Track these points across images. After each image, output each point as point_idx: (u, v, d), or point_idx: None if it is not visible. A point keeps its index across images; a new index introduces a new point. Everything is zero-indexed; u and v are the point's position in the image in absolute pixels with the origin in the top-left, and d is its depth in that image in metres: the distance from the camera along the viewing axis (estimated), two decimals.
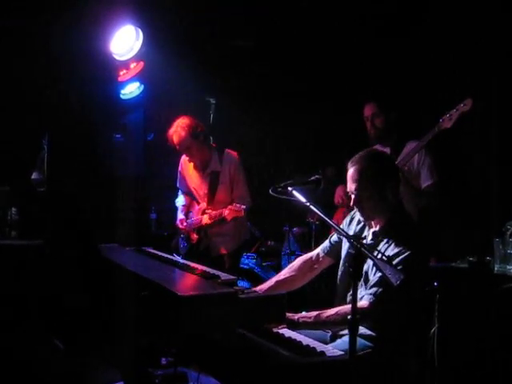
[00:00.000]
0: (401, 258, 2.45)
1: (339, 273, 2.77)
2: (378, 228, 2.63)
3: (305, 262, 2.89)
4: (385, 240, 2.57)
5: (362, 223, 2.74)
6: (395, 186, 2.63)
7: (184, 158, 4.37)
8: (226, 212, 3.96)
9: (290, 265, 2.94)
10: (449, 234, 4.42)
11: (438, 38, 4.41)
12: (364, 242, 2.58)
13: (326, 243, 2.90)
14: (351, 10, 4.68)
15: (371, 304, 2.41)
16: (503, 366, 3.05)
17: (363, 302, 2.43)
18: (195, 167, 4.30)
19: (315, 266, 2.88)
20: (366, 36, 4.77)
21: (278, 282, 2.81)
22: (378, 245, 2.58)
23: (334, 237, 2.87)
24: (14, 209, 4.01)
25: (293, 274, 2.86)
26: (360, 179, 2.56)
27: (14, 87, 4.33)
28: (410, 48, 4.57)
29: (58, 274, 2.80)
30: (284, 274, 2.89)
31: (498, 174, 4.18)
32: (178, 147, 4.16)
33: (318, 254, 2.89)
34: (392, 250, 2.51)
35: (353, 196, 2.60)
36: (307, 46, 5.10)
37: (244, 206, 3.93)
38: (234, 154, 4.26)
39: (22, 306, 2.98)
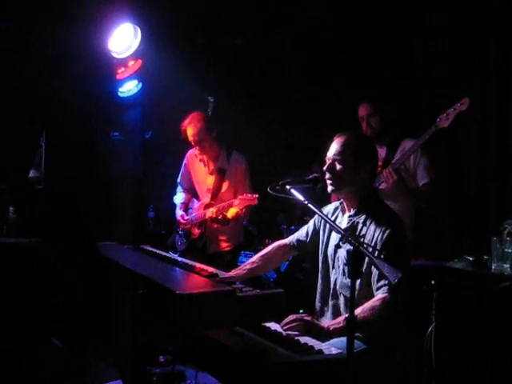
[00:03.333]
0: (384, 237, 2.51)
1: (320, 268, 2.80)
2: (352, 212, 2.69)
3: (277, 250, 2.99)
4: (361, 222, 2.63)
5: (335, 216, 2.79)
6: (371, 170, 2.70)
7: (191, 153, 4.38)
8: (235, 202, 3.95)
9: (264, 251, 3.01)
10: (446, 232, 4.43)
11: (434, 36, 4.42)
12: (339, 225, 2.66)
13: (294, 238, 2.97)
14: (347, 9, 4.69)
15: (389, 293, 2.43)
16: (501, 364, 3.05)
17: (381, 295, 2.45)
18: (202, 161, 4.31)
19: (287, 253, 3.04)
20: (362, 35, 4.77)
21: (250, 270, 2.92)
22: (355, 228, 2.64)
23: (303, 235, 2.93)
24: (11, 207, 4.00)
25: (265, 261, 2.96)
26: (340, 148, 2.64)
27: (12, 85, 4.32)
28: (405, 46, 4.57)
29: (56, 272, 2.80)
30: (257, 261, 2.97)
31: (496, 173, 4.18)
32: (192, 138, 4.15)
33: (287, 245, 2.99)
34: (372, 231, 2.57)
35: (329, 161, 2.66)
36: (305, 44, 5.10)
37: (257, 195, 3.91)
38: (243, 156, 4.28)
39: (21, 304, 2.98)
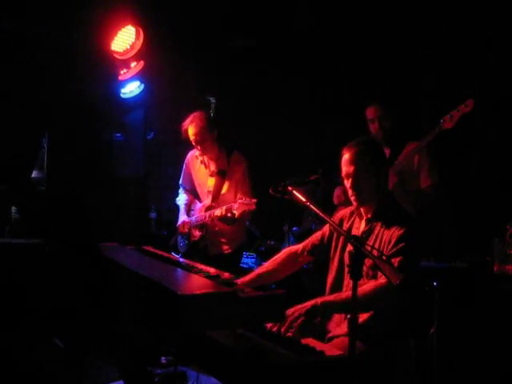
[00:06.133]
0: (398, 236, 2.51)
1: (333, 272, 2.78)
2: (369, 215, 2.68)
3: (289, 256, 2.93)
4: (379, 224, 2.63)
5: (351, 220, 2.77)
6: (386, 173, 2.74)
7: (191, 154, 4.37)
8: (235, 206, 3.90)
9: (275, 257, 2.96)
10: (449, 233, 4.43)
11: (437, 37, 4.42)
12: (357, 230, 2.67)
13: (309, 243, 2.93)
14: (351, 10, 4.69)
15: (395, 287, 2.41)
16: (502, 366, 3.05)
17: (381, 280, 2.44)
18: (203, 162, 4.29)
19: (299, 260, 2.94)
20: (366, 36, 4.77)
21: (259, 275, 2.86)
22: (373, 230, 2.63)
23: (318, 238, 2.90)
24: (14, 207, 4.02)
25: (275, 267, 2.91)
26: (358, 162, 2.61)
27: (14, 86, 4.33)
28: (409, 48, 4.57)
29: (58, 273, 2.81)
30: (267, 266, 2.93)
31: (498, 174, 4.18)
32: (194, 137, 4.11)
33: (302, 250, 2.93)
34: (388, 234, 2.56)
35: (350, 179, 2.64)
36: (308, 45, 5.10)
37: (255, 200, 3.85)
38: (242, 157, 4.26)
39: (22, 305, 2.98)
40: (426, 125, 3.68)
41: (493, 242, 3.25)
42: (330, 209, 3.99)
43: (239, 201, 3.88)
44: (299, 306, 2.43)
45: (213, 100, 4.87)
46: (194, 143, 4.17)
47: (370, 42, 4.76)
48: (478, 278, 3.26)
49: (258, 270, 2.93)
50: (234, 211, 3.89)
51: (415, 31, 4.49)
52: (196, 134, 4.10)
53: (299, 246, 2.95)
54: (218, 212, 4.02)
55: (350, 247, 2.63)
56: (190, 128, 4.12)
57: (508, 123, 4.12)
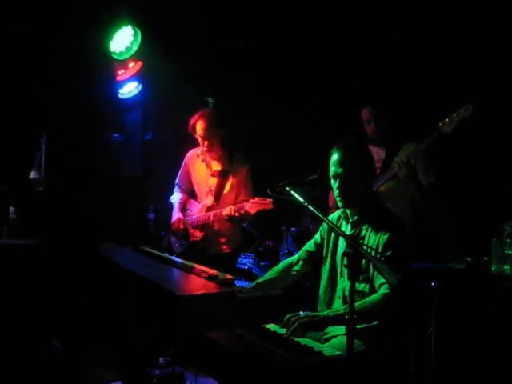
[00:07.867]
0: (385, 240, 2.54)
1: (325, 276, 2.80)
2: (355, 218, 2.69)
3: (285, 266, 2.96)
4: (364, 228, 2.64)
5: (339, 224, 2.79)
6: (374, 176, 2.77)
7: (191, 153, 4.35)
8: (247, 205, 3.87)
9: (273, 268, 2.99)
10: (447, 234, 4.43)
11: (435, 37, 4.42)
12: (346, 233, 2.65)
13: (303, 252, 2.95)
14: (348, 10, 4.70)
15: (390, 290, 2.42)
16: (501, 366, 3.05)
17: (383, 291, 2.45)
18: (204, 161, 4.28)
19: (295, 269, 2.95)
20: (362, 37, 4.77)
21: (258, 284, 2.86)
22: (359, 234, 2.65)
23: (311, 245, 2.92)
24: (12, 208, 4.01)
25: (274, 276, 2.91)
26: (347, 164, 2.62)
27: (12, 86, 4.33)
28: (407, 48, 4.58)
29: (57, 274, 2.81)
30: (265, 276, 2.95)
31: (496, 175, 4.18)
32: (202, 132, 4.08)
33: (297, 260, 2.95)
34: (375, 236, 2.58)
35: (338, 180, 2.64)
36: (306, 46, 5.11)
37: (271, 200, 3.80)
38: (245, 158, 4.25)
39: (21, 305, 2.99)
40: (423, 125, 3.67)
41: (490, 243, 3.25)
42: (328, 209, 4.00)
43: (252, 200, 3.86)
44: (311, 314, 2.44)
45: (211, 100, 4.86)
46: (200, 139, 4.14)
47: (368, 42, 4.76)
48: (476, 279, 3.26)
49: (258, 280, 2.94)
50: (249, 210, 3.86)
51: (414, 31, 4.49)
52: (204, 129, 4.08)
53: (294, 257, 2.98)
54: (226, 211, 3.99)
55: (342, 249, 2.67)
56: (199, 123, 4.10)
57: (506, 123, 4.13)
